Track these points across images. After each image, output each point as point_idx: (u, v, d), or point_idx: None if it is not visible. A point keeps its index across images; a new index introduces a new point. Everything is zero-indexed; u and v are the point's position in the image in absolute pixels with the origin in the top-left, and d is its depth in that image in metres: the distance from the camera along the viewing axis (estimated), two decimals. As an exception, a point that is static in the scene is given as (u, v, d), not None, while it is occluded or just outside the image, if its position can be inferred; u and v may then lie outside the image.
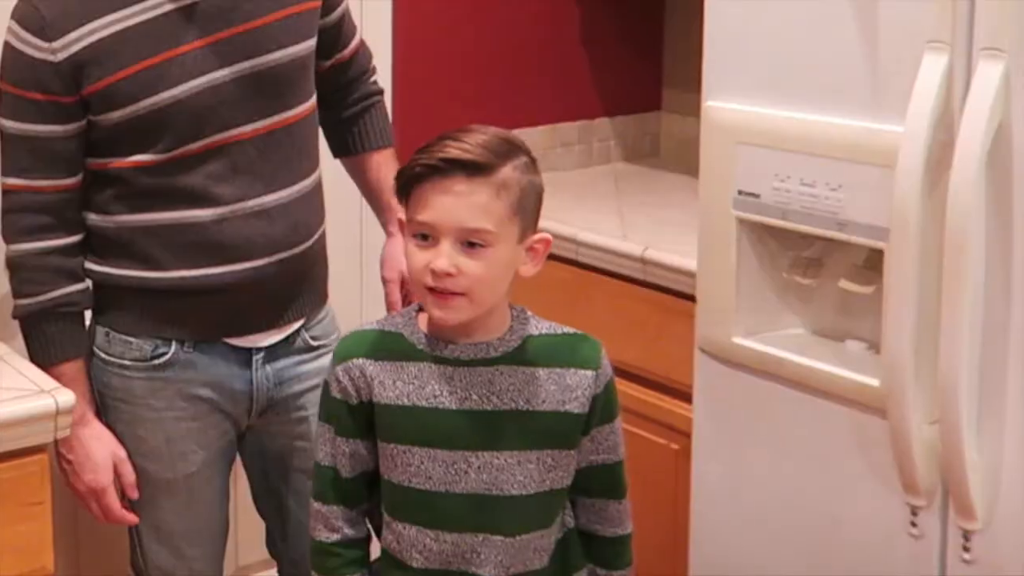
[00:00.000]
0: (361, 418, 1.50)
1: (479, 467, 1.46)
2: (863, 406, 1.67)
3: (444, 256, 1.41)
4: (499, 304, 1.48)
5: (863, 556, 1.70)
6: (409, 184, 1.44)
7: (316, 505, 1.55)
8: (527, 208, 1.45)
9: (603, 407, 1.51)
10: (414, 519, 1.48)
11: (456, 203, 1.41)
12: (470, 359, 1.47)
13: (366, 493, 1.54)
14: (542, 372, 1.48)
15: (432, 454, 1.46)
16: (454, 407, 1.46)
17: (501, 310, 1.49)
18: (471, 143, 1.42)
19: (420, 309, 1.51)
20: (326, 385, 1.53)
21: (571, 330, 1.52)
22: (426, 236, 1.43)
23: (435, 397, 1.46)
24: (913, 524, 1.64)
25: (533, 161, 1.47)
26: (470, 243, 1.42)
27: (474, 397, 1.46)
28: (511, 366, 1.47)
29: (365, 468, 1.52)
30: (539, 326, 1.51)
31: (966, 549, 1.59)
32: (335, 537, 1.54)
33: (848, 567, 1.72)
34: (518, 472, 1.47)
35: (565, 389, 1.48)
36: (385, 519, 1.52)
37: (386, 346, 1.49)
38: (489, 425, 1.46)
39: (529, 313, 1.52)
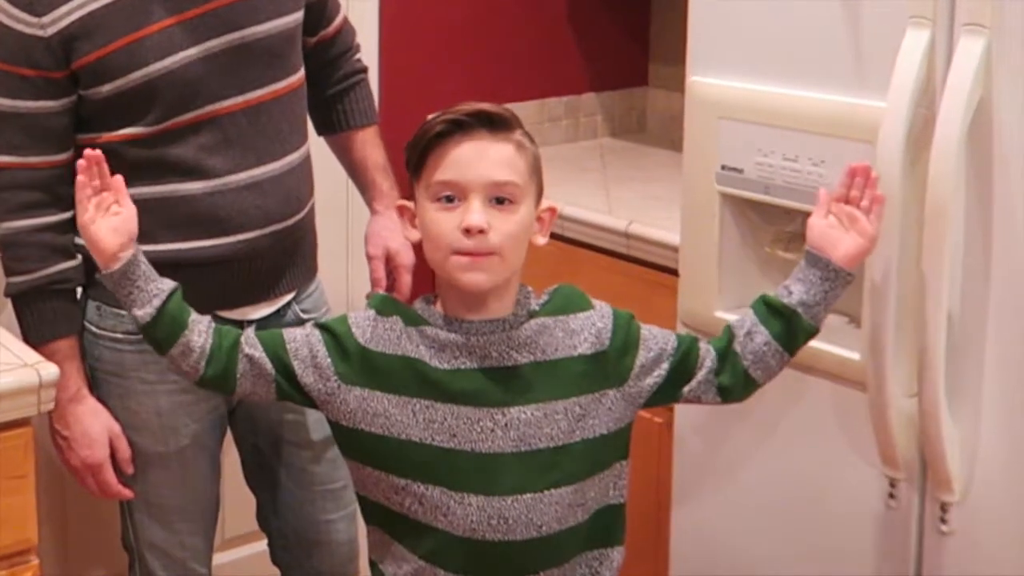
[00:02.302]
0: (348, 359, 1.45)
1: (506, 424, 1.43)
2: (843, 380, 1.68)
3: (477, 212, 1.38)
4: (516, 275, 1.47)
5: (842, 528, 1.72)
6: (427, 148, 1.41)
7: (249, 329, 1.50)
8: (538, 172, 1.45)
9: (626, 333, 1.48)
10: (438, 480, 1.44)
11: (483, 156, 1.39)
12: (487, 333, 1.45)
13: (274, 374, 1.47)
14: (550, 321, 1.46)
15: (455, 410, 1.43)
16: (475, 366, 1.44)
17: (515, 283, 1.47)
18: (484, 104, 1.42)
19: (432, 299, 1.49)
20: (344, 315, 1.49)
21: (550, 289, 1.51)
22: (451, 198, 1.40)
23: (455, 359, 1.44)
24: (891, 496, 1.65)
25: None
26: (499, 199, 1.40)
27: (493, 355, 1.44)
28: (526, 323, 1.46)
29: (302, 374, 1.46)
30: (536, 301, 1.50)
31: (943, 521, 1.61)
32: (204, 322, 1.49)
33: (827, 539, 1.74)
34: (545, 425, 1.43)
35: (572, 334, 1.46)
36: (399, 482, 1.45)
37: (407, 313, 1.48)
38: (513, 380, 1.43)
39: (531, 289, 1.51)
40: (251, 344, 1.50)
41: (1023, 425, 1.53)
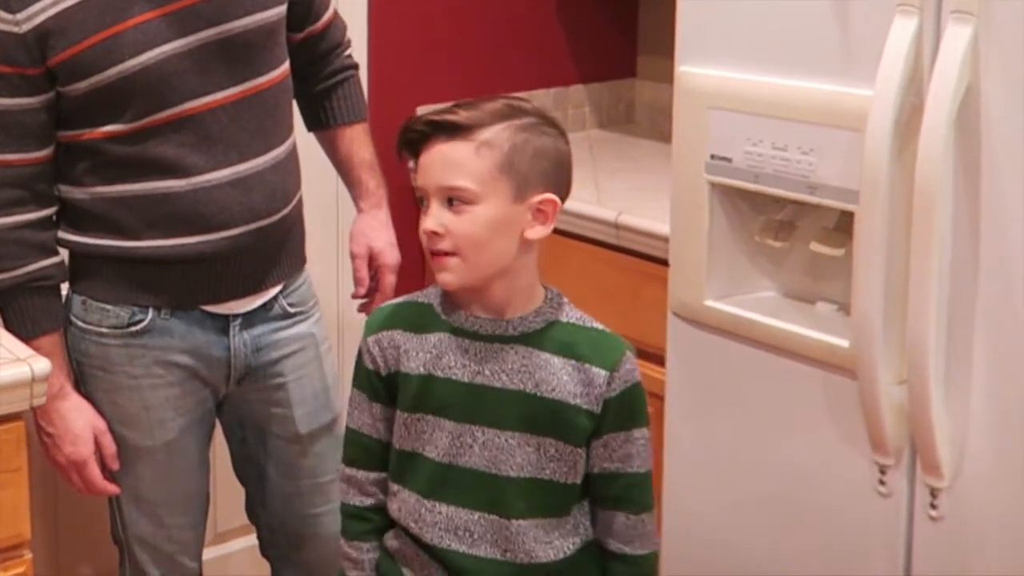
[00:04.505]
0: (391, 388, 1.52)
1: (483, 443, 1.47)
2: (833, 367, 1.68)
3: (431, 216, 1.44)
4: (520, 277, 1.47)
5: (832, 514, 1.73)
6: (409, 158, 1.48)
7: (350, 471, 1.56)
8: (518, 166, 1.44)
9: (617, 413, 1.47)
10: (417, 487, 1.49)
11: (435, 163, 1.45)
12: (488, 334, 1.47)
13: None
14: (557, 361, 1.47)
15: (440, 423, 1.48)
16: (465, 380, 1.47)
17: (527, 287, 1.48)
18: (462, 109, 1.46)
19: None
20: (359, 354, 1.55)
21: (600, 327, 1.51)
22: (423, 201, 1.47)
23: (449, 368, 1.48)
24: (881, 482, 1.66)
25: (550, 125, 1.48)
26: (452, 201, 1.44)
27: (486, 372, 1.47)
28: (528, 348, 1.47)
29: (391, 436, 1.54)
30: (570, 314, 1.50)
31: (933, 506, 1.62)
32: (369, 502, 1.56)
33: (818, 525, 1.75)
34: (517, 454, 1.46)
35: (578, 383, 1.46)
36: (392, 487, 1.53)
37: (413, 317, 1.52)
38: (494, 402, 1.46)
39: (565, 300, 1.51)
40: (370, 495, 1.56)
41: (1011, 411, 1.54)
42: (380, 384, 1.52)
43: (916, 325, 1.55)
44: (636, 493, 1.51)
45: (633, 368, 1.49)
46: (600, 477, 1.50)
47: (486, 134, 1.44)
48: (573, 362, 1.47)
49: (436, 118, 1.45)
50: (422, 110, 2.50)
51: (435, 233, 1.44)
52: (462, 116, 1.44)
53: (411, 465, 1.50)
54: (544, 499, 1.48)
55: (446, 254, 1.44)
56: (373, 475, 1.55)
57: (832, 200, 1.66)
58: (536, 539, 1.48)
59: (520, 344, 1.47)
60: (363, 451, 1.55)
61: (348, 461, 1.57)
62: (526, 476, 1.47)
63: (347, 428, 1.57)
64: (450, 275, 1.45)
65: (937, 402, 1.56)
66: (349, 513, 1.58)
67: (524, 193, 1.45)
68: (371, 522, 1.56)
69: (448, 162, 1.44)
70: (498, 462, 1.47)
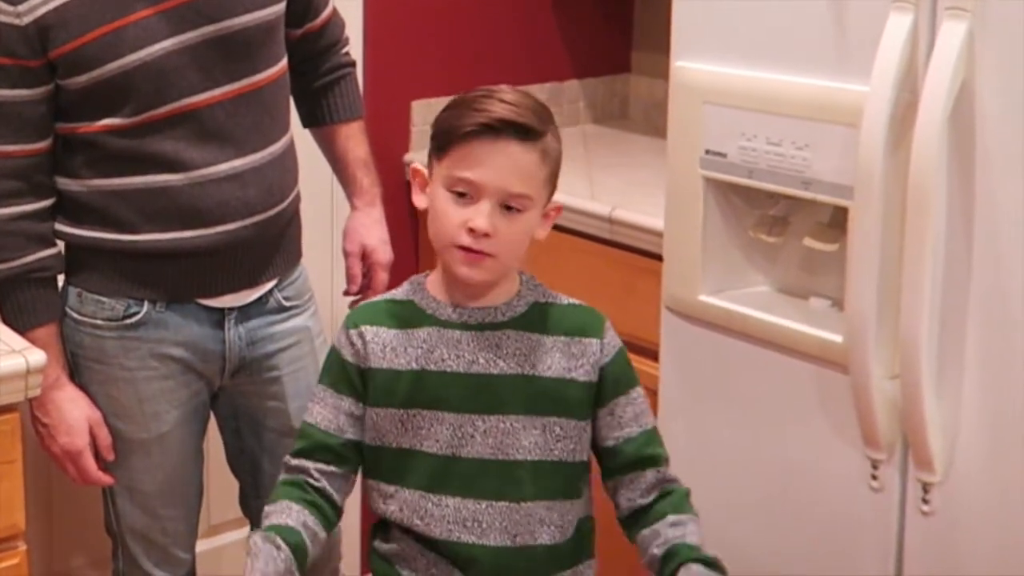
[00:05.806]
0: (367, 382, 1.49)
1: (485, 431, 1.46)
2: (826, 362, 1.69)
3: (485, 216, 1.40)
4: (513, 269, 1.49)
5: (824, 509, 1.73)
6: (454, 140, 1.42)
7: (297, 461, 1.50)
8: (555, 175, 1.46)
9: (615, 378, 1.50)
10: (419, 484, 1.48)
11: (505, 166, 1.41)
12: (478, 323, 1.48)
13: (354, 459, 1.51)
14: (548, 340, 1.48)
15: (440, 417, 1.47)
16: (461, 371, 1.47)
17: (512, 275, 1.50)
18: (520, 105, 1.42)
19: (423, 280, 1.52)
20: (334, 349, 1.52)
21: (576, 302, 1.53)
22: (464, 194, 1.42)
23: (443, 361, 1.47)
24: (874, 477, 1.67)
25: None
26: (508, 207, 1.42)
27: (481, 361, 1.47)
28: (518, 331, 1.48)
29: (358, 435, 1.51)
30: (547, 295, 1.52)
31: (925, 501, 1.63)
32: (314, 482, 1.49)
33: (810, 519, 1.76)
34: (523, 437, 1.47)
35: (571, 357, 1.48)
36: (388, 489, 1.50)
37: (396, 314, 1.50)
38: (495, 389, 1.47)
39: (537, 281, 1.52)
40: (317, 479, 1.49)
41: (1003, 406, 1.55)
42: (357, 377, 1.49)
43: (909, 320, 1.56)
44: (655, 448, 1.52)
45: (615, 333, 1.52)
46: (617, 447, 1.50)
47: (545, 141, 1.43)
48: (563, 338, 1.49)
49: (510, 117, 1.39)
50: (416, 104, 2.51)
51: (486, 234, 1.40)
52: (532, 119, 1.41)
53: (409, 463, 1.49)
54: (554, 481, 1.49)
55: (484, 254, 1.42)
56: (321, 466, 1.50)
57: (826, 195, 1.67)
58: (542, 521, 1.48)
59: (511, 328, 1.48)
60: (317, 446, 1.50)
61: (298, 453, 1.51)
62: (534, 459, 1.47)
63: (304, 423, 1.52)
64: (479, 272, 1.43)
65: (929, 397, 1.57)
66: (286, 482, 1.49)
67: (550, 197, 1.47)
68: (309, 496, 1.47)
69: (518, 168, 1.41)
70: (505, 447, 1.46)
